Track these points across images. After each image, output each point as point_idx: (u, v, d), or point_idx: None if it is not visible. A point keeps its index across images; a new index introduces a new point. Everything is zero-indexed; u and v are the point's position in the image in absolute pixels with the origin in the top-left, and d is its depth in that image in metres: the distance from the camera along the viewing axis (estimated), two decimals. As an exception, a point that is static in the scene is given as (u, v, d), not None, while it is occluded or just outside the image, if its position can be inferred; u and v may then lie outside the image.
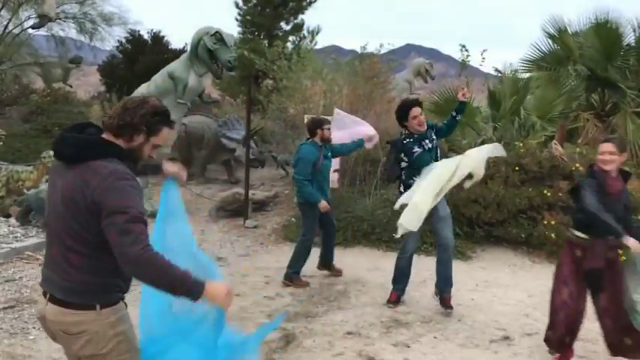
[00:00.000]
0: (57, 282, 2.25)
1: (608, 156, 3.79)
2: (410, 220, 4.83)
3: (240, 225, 9.04)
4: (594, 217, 3.68)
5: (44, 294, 2.30)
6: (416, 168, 5.19)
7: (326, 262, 6.48)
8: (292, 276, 6.07)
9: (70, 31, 18.71)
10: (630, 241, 3.60)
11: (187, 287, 2.13)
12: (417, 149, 5.16)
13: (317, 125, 6.00)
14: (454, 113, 5.36)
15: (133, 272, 2.14)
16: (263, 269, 6.70)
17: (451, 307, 5.23)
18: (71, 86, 18.53)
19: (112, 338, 2.25)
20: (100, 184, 2.11)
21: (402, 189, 5.32)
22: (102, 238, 2.15)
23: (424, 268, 6.77)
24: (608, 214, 3.66)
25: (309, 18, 18.20)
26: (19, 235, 7.35)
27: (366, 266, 6.73)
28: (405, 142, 5.23)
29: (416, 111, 5.22)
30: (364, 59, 15.61)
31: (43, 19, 10.32)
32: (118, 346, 2.27)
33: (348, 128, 6.62)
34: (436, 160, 5.23)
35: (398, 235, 5.04)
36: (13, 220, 8.00)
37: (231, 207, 9.69)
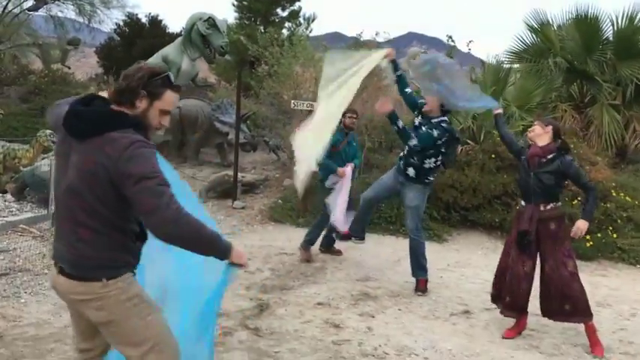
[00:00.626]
0: (66, 256, 2.27)
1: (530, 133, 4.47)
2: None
3: (228, 206, 9.36)
4: None
5: (55, 265, 2.33)
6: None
7: (328, 245, 6.72)
8: (303, 245, 6.46)
9: (68, 12, 18.85)
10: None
11: (218, 246, 2.21)
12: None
13: None
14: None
15: (171, 232, 2.10)
16: (247, 246, 7.00)
17: (425, 290, 5.51)
18: (69, 67, 18.76)
19: (125, 302, 2.26)
20: (124, 154, 2.10)
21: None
22: (117, 213, 2.21)
23: (400, 248, 7.12)
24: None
25: (310, 5, 18.39)
26: (14, 209, 7.67)
27: (344, 245, 7.03)
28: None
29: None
30: (359, 47, 15.86)
31: (39, 2, 10.55)
32: (135, 308, 2.28)
33: None
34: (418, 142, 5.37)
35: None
36: (9, 196, 8.31)
37: (220, 188, 10.00)
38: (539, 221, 4.25)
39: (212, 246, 2.20)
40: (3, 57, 17.54)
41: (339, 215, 5.99)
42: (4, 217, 7.20)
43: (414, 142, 5.25)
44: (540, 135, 4.36)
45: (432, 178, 5.56)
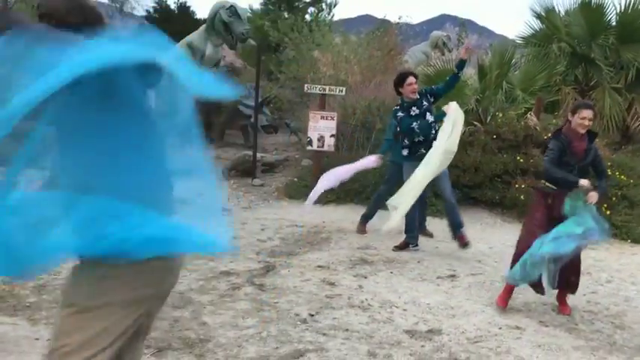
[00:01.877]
0: None
1: (588, 122, 4.40)
2: (392, 221, 5.73)
3: (248, 183, 10.02)
4: (549, 174, 4.48)
5: None
6: (405, 132, 6.10)
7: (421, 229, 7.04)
8: (361, 219, 7.08)
9: (102, -1, 19.68)
10: (582, 181, 4.30)
11: None
12: (400, 114, 6.10)
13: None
14: (455, 70, 6.30)
15: None
16: (261, 219, 7.66)
17: (467, 244, 6.26)
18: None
19: None
20: None
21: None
22: None
23: (403, 222, 7.67)
24: (562, 169, 4.39)
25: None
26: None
27: (351, 219, 7.60)
28: (395, 110, 6.26)
29: (411, 79, 6.15)
30: (382, 31, 16.32)
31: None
32: None
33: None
34: (424, 123, 6.03)
35: (382, 232, 6.02)
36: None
37: (242, 167, 10.67)
38: None
39: None
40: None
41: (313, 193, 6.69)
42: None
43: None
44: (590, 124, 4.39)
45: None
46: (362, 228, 7.10)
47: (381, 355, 3.58)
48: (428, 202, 7.30)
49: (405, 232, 6.45)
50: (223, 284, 4.90)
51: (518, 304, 4.80)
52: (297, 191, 9.18)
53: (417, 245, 6.46)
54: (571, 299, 4.93)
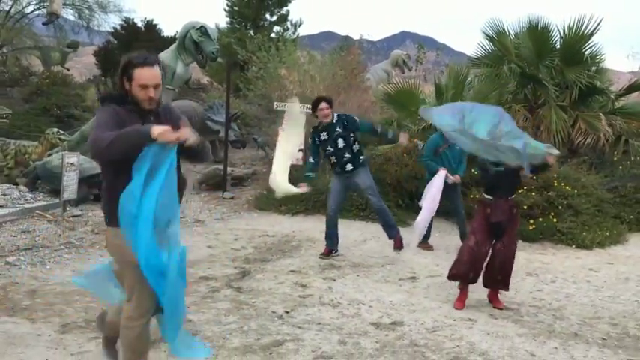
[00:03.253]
0: None
1: None
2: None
3: (218, 196, 10.42)
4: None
5: None
6: (325, 153, 6.76)
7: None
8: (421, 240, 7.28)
9: (68, 16, 19.85)
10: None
11: (140, 133, 2.67)
12: (318, 138, 6.73)
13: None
14: (378, 131, 6.90)
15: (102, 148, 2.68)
16: (234, 230, 8.08)
17: (399, 248, 6.79)
18: (68, 69, 19.74)
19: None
20: None
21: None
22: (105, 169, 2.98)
23: (368, 231, 8.23)
24: None
25: (303, 3, 19.15)
26: (29, 198, 8.69)
27: (320, 229, 8.03)
28: (312, 129, 6.85)
29: (323, 105, 6.69)
30: (345, 49, 16.94)
31: (52, 16, 11.56)
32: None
33: None
34: (334, 146, 6.63)
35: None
36: (22, 187, 9.32)
37: (212, 181, 11.07)
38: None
39: (136, 135, 2.67)
40: (6, 60, 18.49)
41: (421, 223, 6.72)
42: (21, 204, 8.22)
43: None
44: None
45: (363, 157, 6.78)
46: (425, 245, 7.50)
47: (351, 343, 4.06)
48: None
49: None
50: (203, 287, 5.32)
51: (472, 301, 5.34)
52: (267, 203, 9.63)
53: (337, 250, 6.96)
54: (518, 296, 5.52)
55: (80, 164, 8.43)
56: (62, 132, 10.95)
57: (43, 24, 16.04)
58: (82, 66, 31.74)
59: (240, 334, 4.16)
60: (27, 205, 8.17)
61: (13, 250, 6.21)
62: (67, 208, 8.27)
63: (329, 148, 6.68)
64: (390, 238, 6.86)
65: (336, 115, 6.75)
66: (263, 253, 6.84)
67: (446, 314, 4.87)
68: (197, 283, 5.41)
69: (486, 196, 5.21)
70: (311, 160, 6.84)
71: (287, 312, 4.69)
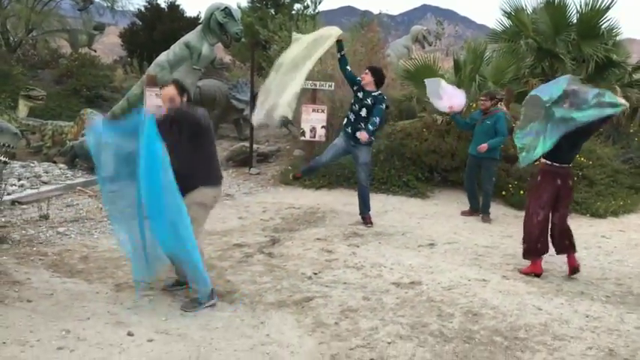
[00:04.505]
0: None
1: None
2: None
3: (245, 172, 10.87)
4: None
5: None
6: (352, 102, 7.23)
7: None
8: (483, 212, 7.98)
9: (96, -1, 20.28)
10: None
11: None
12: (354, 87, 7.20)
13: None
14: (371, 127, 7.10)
15: None
16: (262, 203, 8.54)
17: (370, 224, 7.23)
18: (95, 51, 20.23)
19: None
20: None
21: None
22: None
23: (389, 203, 8.62)
24: None
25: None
26: (69, 175, 9.23)
27: (342, 202, 8.51)
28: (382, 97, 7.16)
29: (365, 73, 7.11)
30: (364, 26, 17.16)
31: (86, 2, 12.02)
32: None
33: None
34: (358, 108, 7.06)
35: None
36: (61, 165, 9.88)
37: (238, 157, 11.52)
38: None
39: None
40: (36, 43, 19.04)
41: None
42: (63, 181, 8.77)
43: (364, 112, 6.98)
44: None
45: (373, 138, 7.19)
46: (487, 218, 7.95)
47: (374, 299, 4.51)
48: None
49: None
50: (238, 253, 5.79)
51: (487, 265, 5.74)
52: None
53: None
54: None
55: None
56: (96, 112, 11.46)
57: (79, 10, 16.55)
58: (104, 47, 32.33)
59: (274, 292, 4.63)
60: (68, 182, 8.71)
61: (61, 222, 6.74)
62: (105, 184, 8.78)
63: (355, 106, 7.10)
64: (361, 214, 7.37)
65: (377, 91, 7.08)
66: (290, 223, 7.29)
67: (461, 275, 5.28)
68: (232, 250, 5.89)
69: (558, 164, 5.32)
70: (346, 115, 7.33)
71: (315, 274, 5.15)
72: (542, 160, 5.38)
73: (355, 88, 7.16)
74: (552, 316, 4.29)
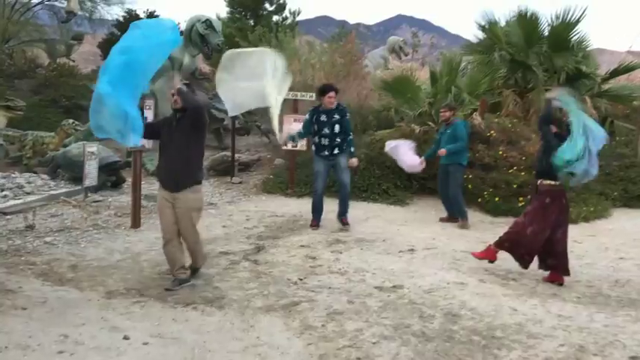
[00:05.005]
0: None
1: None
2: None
3: (227, 181, 11.03)
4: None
5: None
6: (317, 130, 7.51)
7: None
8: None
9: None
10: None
11: None
12: (320, 117, 7.48)
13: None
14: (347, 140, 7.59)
15: None
16: (245, 211, 8.69)
17: (348, 224, 7.63)
18: (74, 61, 20.20)
19: None
20: None
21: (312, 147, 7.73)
22: None
23: (370, 210, 8.85)
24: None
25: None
26: (51, 185, 9.30)
27: (325, 210, 8.68)
28: (313, 110, 7.63)
29: (332, 94, 7.48)
30: (343, 37, 17.45)
31: (70, 15, 12.09)
32: None
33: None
34: (330, 129, 7.43)
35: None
36: (43, 175, 9.92)
37: (220, 167, 11.67)
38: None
39: None
40: (12, 53, 18.96)
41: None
42: (46, 191, 8.83)
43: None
44: None
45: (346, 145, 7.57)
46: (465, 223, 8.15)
47: (358, 302, 4.70)
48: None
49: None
50: (224, 261, 5.94)
51: (464, 268, 5.97)
52: (274, 187, 10.24)
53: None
54: (506, 264, 6.09)
55: (99, 153, 9.01)
56: (77, 122, 11.51)
57: (62, 22, 16.58)
58: (79, 55, 32.16)
59: (261, 297, 4.79)
60: (52, 192, 8.78)
61: (47, 231, 6.82)
62: (89, 194, 8.86)
63: (325, 130, 7.44)
64: (340, 216, 7.74)
65: (336, 102, 7.44)
66: (274, 231, 7.45)
67: (441, 279, 5.49)
68: (218, 258, 6.03)
69: (556, 183, 5.43)
70: (301, 130, 7.71)
71: (301, 279, 5.32)
72: (548, 182, 5.49)
73: (315, 119, 7.46)
74: (527, 317, 4.52)
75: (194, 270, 5.28)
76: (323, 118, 7.46)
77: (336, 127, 7.45)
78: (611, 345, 4.01)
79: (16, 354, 3.35)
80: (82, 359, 3.39)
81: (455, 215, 8.31)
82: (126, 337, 3.72)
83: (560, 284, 5.52)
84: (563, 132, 5.33)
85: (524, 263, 5.67)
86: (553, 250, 5.57)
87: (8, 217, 7.37)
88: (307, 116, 7.69)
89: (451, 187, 8.22)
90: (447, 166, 8.22)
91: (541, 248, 5.58)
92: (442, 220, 8.42)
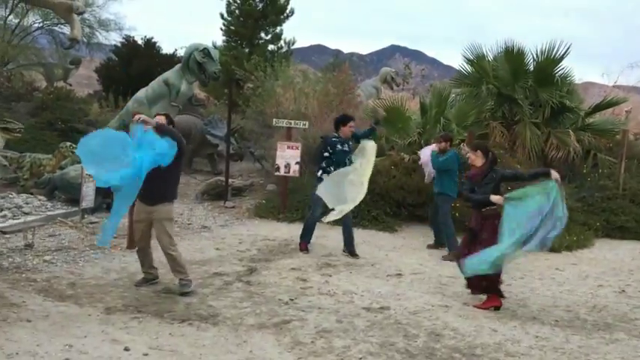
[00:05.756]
0: None
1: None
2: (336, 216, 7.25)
3: (221, 205, 11.24)
4: (469, 200, 5.98)
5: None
6: (334, 160, 7.58)
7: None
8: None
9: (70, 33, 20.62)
10: (494, 198, 5.62)
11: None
12: (339, 147, 7.57)
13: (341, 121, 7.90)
14: (359, 135, 7.94)
15: None
16: (238, 235, 8.91)
17: (357, 256, 7.74)
18: (70, 85, 20.50)
19: None
20: None
21: (320, 173, 7.68)
22: None
23: (359, 236, 9.04)
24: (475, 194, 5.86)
25: (293, 17, 20.16)
26: (48, 206, 9.48)
27: (315, 234, 8.88)
28: (333, 139, 7.62)
29: (352, 123, 7.80)
30: (336, 67, 17.87)
31: (73, 42, 12.45)
32: None
33: None
34: (349, 160, 7.62)
35: (326, 221, 7.58)
36: (40, 197, 10.11)
37: (214, 191, 11.89)
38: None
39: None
40: (11, 76, 19.25)
41: None
42: (43, 212, 9.02)
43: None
44: (475, 159, 6.00)
45: None
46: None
47: (346, 322, 4.93)
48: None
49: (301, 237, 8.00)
50: (218, 281, 6.16)
51: (450, 293, 6.22)
52: (266, 212, 10.47)
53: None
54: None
55: (97, 175, 9.23)
56: (74, 145, 11.73)
57: (65, 48, 16.94)
58: (75, 79, 32.56)
59: (254, 315, 5.01)
60: (49, 213, 8.96)
61: (45, 250, 7.01)
62: (85, 216, 9.06)
63: (346, 159, 7.61)
64: (348, 247, 7.85)
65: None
66: (266, 254, 7.68)
67: (426, 302, 5.74)
68: (212, 278, 6.25)
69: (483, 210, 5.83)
70: (332, 168, 7.58)
71: (291, 299, 5.55)
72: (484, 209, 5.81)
73: (334, 149, 7.64)
74: (506, 337, 4.77)
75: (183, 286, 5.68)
76: (345, 148, 7.64)
77: (350, 155, 7.71)
78: (583, 364, 4.26)
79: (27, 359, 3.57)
80: (87, 367, 3.60)
81: (442, 242, 8.55)
82: (126, 349, 3.94)
83: (498, 308, 5.70)
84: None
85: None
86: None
87: (7, 235, 7.54)
88: (328, 149, 7.65)
89: (440, 216, 8.37)
90: (436, 195, 8.41)
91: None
92: (429, 246, 8.66)
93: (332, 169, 7.59)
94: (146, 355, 3.89)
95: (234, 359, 3.97)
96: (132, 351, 3.92)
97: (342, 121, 7.84)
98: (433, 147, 8.57)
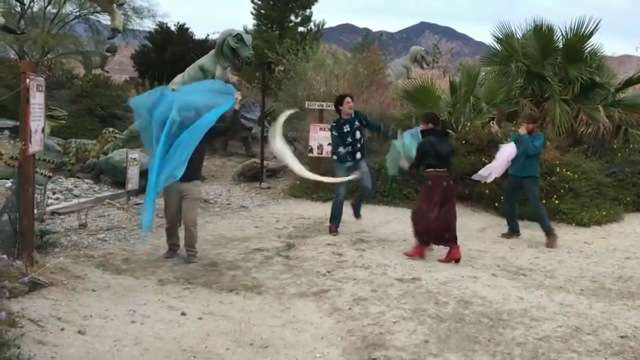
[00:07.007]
0: None
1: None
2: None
3: (257, 187, 11.68)
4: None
5: None
6: (344, 142, 7.85)
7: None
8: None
9: (106, 21, 21.19)
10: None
11: None
12: (344, 129, 7.88)
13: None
14: (382, 130, 8.58)
15: None
16: (275, 214, 9.33)
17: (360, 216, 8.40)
18: (107, 72, 21.12)
19: None
20: None
21: (335, 157, 8.07)
22: None
23: (390, 214, 9.42)
24: None
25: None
26: (96, 189, 10.04)
27: (348, 212, 9.21)
28: (334, 124, 8.04)
29: (349, 99, 7.99)
30: (366, 47, 18.06)
31: (114, 32, 12.96)
32: None
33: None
34: (353, 138, 7.84)
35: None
36: (88, 180, 10.69)
37: (249, 173, 12.34)
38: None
39: None
40: (51, 65, 19.95)
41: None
42: (92, 194, 9.58)
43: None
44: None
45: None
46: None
47: (380, 291, 5.29)
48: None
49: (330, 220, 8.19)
50: (259, 256, 6.57)
51: (479, 265, 6.52)
52: (301, 192, 10.86)
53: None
54: (518, 262, 6.70)
55: (140, 159, 9.73)
56: (116, 130, 12.29)
57: (108, 39, 17.54)
58: (110, 65, 33.35)
59: (295, 286, 5.41)
60: (97, 195, 9.52)
61: (98, 230, 7.53)
62: (131, 198, 9.58)
63: (349, 139, 7.84)
64: (356, 215, 8.41)
65: (353, 111, 7.97)
66: (302, 231, 8.07)
67: (456, 273, 6.06)
68: (253, 253, 6.67)
69: (441, 170, 7.00)
70: (342, 149, 7.87)
71: (329, 272, 5.93)
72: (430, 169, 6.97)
73: (339, 133, 7.86)
74: (532, 304, 5.07)
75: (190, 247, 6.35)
76: (346, 129, 7.83)
77: (357, 134, 7.87)
78: (604, 327, 4.54)
79: (100, 321, 4.04)
80: (151, 327, 4.05)
81: (516, 229, 8.26)
82: (183, 313, 4.38)
83: (457, 261, 6.56)
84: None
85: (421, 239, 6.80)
86: (448, 226, 6.72)
87: (62, 216, 8.10)
88: (334, 133, 7.91)
89: (531, 201, 8.15)
90: (520, 179, 8.05)
91: (437, 226, 6.65)
92: (504, 235, 8.25)
93: (341, 149, 7.81)
94: (200, 318, 4.33)
95: (279, 322, 4.37)
96: (188, 315, 4.37)
97: (339, 102, 8.01)
98: (510, 145, 8.03)
